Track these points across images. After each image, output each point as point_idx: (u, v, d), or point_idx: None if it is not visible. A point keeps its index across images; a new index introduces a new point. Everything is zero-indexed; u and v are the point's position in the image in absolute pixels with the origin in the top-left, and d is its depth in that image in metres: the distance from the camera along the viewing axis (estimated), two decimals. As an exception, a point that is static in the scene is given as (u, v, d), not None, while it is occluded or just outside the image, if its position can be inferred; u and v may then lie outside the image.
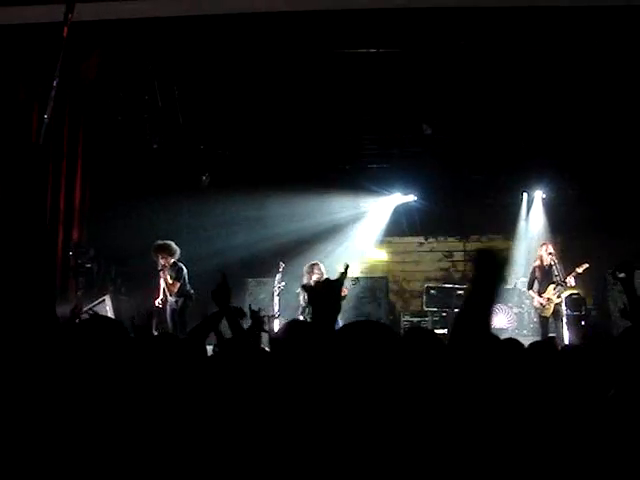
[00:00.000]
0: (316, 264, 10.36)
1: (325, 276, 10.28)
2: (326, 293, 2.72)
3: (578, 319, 11.45)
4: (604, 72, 10.44)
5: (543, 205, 13.44)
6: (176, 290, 9.75)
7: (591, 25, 9.30)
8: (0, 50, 9.54)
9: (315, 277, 10.09)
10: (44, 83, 8.69)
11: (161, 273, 9.77)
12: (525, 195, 13.59)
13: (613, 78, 10.56)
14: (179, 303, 9.80)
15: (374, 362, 2.41)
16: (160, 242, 9.86)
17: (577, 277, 10.14)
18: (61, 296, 9.64)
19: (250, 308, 4.98)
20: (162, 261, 9.75)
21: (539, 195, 13.45)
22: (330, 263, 12.27)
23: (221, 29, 9.70)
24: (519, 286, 12.59)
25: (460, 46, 10.07)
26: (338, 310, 2.75)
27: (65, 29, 8.20)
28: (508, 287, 12.79)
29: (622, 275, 4.45)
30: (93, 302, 9.14)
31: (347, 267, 2.86)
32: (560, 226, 12.86)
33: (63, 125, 10.06)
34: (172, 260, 9.78)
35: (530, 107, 11.58)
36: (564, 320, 10.24)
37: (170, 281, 9.75)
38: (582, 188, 12.50)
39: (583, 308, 11.79)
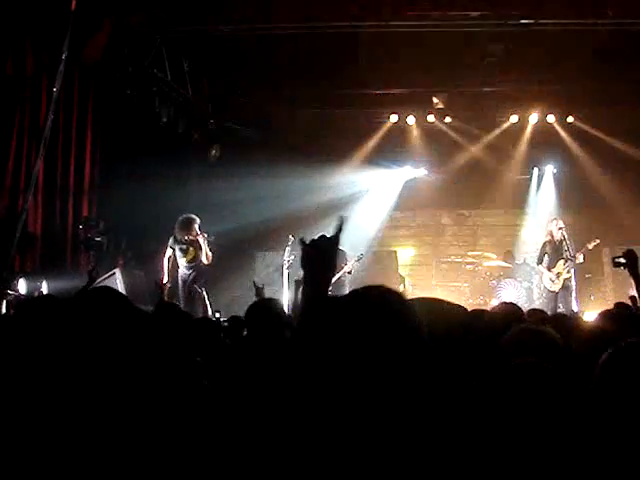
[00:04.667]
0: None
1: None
2: (319, 252, 2.50)
3: (587, 294, 11.47)
4: (622, 45, 10.31)
5: (554, 180, 13.37)
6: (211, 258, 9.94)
7: None
8: (9, 23, 9.50)
9: None
10: (53, 57, 8.69)
11: (186, 246, 9.95)
12: (536, 170, 13.52)
13: (629, 53, 10.46)
14: (191, 275, 9.91)
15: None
16: (187, 215, 9.98)
17: (587, 253, 10.11)
18: (72, 270, 9.71)
19: (255, 285, 5.01)
20: (195, 232, 9.89)
21: (550, 170, 13.39)
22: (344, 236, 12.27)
23: (230, 1, 9.65)
24: (528, 261, 12.57)
25: (472, 17, 9.94)
26: (331, 272, 2.51)
27: (73, 2, 8.19)
28: (517, 262, 12.79)
29: (622, 261, 4.45)
30: (103, 275, 9.19)
31: (342, 220, 2.53)
32: (570, 201, 12.80)
33: (72, 98, 10.05)
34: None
35: (542, 80, 11.50)
36: (573, 295, 10.23)
37: (207, 249, 9.91)
38: (593, 163, 12.42)
39: (592, 286, 11.82)
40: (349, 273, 10.43)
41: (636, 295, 4.49)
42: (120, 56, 10.06)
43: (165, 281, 9.85)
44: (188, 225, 9.92)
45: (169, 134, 11.26)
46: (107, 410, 2.34)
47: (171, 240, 10.03)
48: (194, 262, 9.98)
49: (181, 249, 10.00)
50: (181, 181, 11.79)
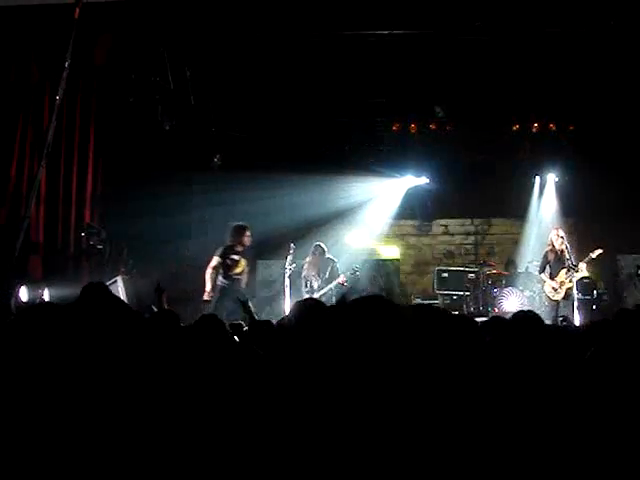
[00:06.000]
0: (317, 245, 10.54)
1: (327, 256, 10.46)
2: None
3: (589, 303, 11.43)
4: (623, 54, 10.34)
5: (555, 188, 13.36)
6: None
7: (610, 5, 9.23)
8: (13, 31, 9.55)
9: (316, 257, 10.47)
10: (56, 64, 8.72)
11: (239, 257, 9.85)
12: (537, 178, 13.51)
13: (631, 61, 10.46)
14: (232, 286, 9.81)
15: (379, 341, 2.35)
16: (238, 223, 9.95)
17: (590, 262, 10.12)
18: (74, 277, 9.71)
19: (240, 300, 5.06)
20: (246, 242, 9.85)
21: (552, 178, 13.37)
22: (341, 245, 12.30)
23: (233, 10, 9.67)
24: (530, 269, 12.55)
25: (474, 27, 9.98)
26: None
27: (77, 10, 8.23)
28: (520, 271, 12.76)
29: None
30: (105, 283, 9.17)
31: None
32: (572, 210, 12.79)
33: (75, 106, 10.08)
34: None
35: (544, 89, 11.50)
36: (575, 304, 10.21)
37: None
38: (595, 172, 12.40)
39: (594, 292, 11.77)
40: (343, 285, 10.39)
41: None
42: (123, 64, 10.10)
43: (209, 296, 9.66)
44: (240, 233, 9.79)
45: (171, 142, 11.27)
46: (105, 412, 2.34)
47: (220, 250, 9.81)
48: (240, 275, 9.84)
49: (233, 259, 9.80)
50: (183, 189, 11.79)
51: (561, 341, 3.34)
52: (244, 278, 9.93)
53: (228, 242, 9.85)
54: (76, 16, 8.27)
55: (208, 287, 9.64)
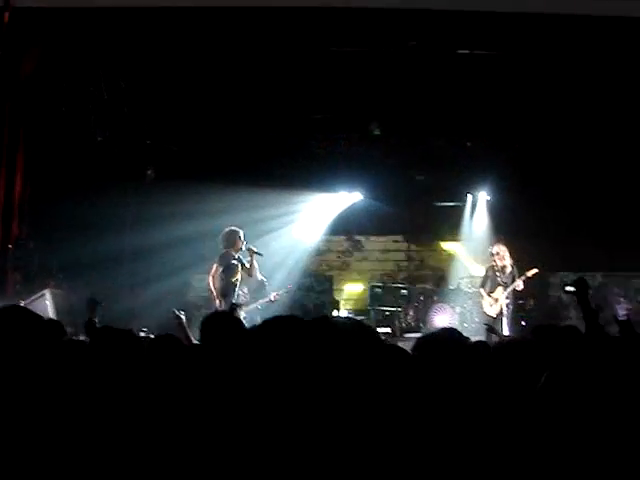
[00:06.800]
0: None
1: (259, 278, 10.17)
2: None
3: (520, 319, 11.69)
4: (551, 71, 10.62)
5: (487, 207, 13.58)
6: None
7: (536, 27, 9.47)
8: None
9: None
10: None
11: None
12: (470, 197, 13.72)
13: (559, 79, 10.76)
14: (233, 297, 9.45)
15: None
16: (229, 228, 9.56)
17: (526, 280, 10.38)
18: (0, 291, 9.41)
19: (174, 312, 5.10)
20: (239, 247, 9.50)
21: (483, 197, 13.59)
22: (275, 260, 12.16)
23: (167, 21, 9.59)
24: (462, 286, 12.75)
25: (410, 47, 10.14)
26: None
27: (6, 15, 8.02)
28: (451, 287, 12.95)
29: (571, 289, 4.55)
30: (32, 296, 8.92)
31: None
32: (503, 228, 13.03)
33: (3, 115, 9.80)
34: None
35: (476, 108, 11.72)
36: (504, 320, 10.44)
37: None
38: (526, 191, 12.70)
39: (525, 309, 12.05)
40: (272, 301, 10.08)
41: None
42: (54, 72, 9.88)
43: (220, 303, 9.24)
44: (233, 237, 9.46)
45: (104, 153, 11.07)
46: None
47: (218, 257, 9.48)
48: (238, 282, 9.48)
49: (232, 265, 9.45)
50: (117, 202, 11.55)
51: (479, 359, 3.36)
52: (239, 284, 9.64)
53: (223, 249, 9.55)
54: (5, 20, 8.07)
55: (216, 294, 9.36)
